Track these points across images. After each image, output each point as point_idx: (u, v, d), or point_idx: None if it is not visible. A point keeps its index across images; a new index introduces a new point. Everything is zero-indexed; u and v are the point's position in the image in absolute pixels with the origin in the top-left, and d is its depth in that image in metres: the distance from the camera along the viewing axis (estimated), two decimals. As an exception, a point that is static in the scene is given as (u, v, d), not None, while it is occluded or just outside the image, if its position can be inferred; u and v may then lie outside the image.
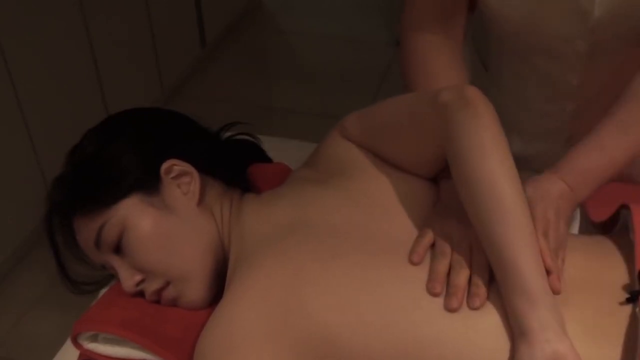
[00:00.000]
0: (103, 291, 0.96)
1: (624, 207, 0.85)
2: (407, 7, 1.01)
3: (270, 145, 1.13)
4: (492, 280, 0.75)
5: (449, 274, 0.75)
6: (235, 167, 1.00)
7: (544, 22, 0.93)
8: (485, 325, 0.72)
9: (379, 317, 0.74)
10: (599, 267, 0.78)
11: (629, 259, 0.79)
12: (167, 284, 0.87)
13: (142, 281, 0.87)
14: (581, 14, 0.90)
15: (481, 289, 0.73)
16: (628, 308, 0.73)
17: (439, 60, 0.98)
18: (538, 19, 0.93)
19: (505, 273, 0.71)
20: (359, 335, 0.73)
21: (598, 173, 0.83)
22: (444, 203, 0.84)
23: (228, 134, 1.05)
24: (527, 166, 1.13)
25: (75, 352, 0.89)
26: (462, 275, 0.74)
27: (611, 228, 0.89)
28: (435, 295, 0.74)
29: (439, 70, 0.97)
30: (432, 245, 0.79)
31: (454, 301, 0.72)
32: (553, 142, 1.11)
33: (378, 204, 0.85)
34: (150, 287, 0.87)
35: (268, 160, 1.11)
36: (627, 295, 0.74)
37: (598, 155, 0.83)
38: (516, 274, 0.70)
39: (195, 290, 0.87)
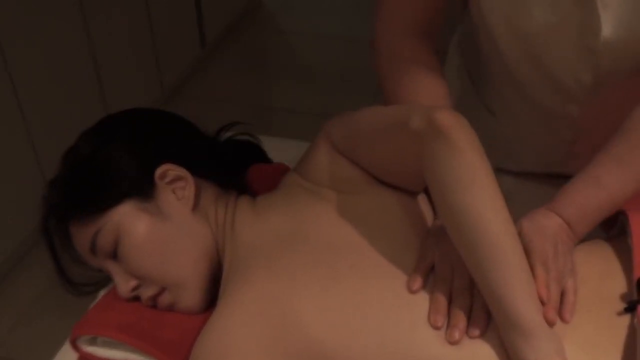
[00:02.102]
0: (102, 292, 0.96)
1: (622, 212, 0.84)
2: (382, 14, 0.96)
3: (270, 145, 1.13)
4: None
5: (449, 300, 0.74)
6: (232, 169, 0.99)
7: (549, 55, 0.91)
8: (484, 351, 0.71)
9: (376, 340, 0.73)
10: (599, 278, 0.78)
11: (627, 265, 0.78)
12: (163, 289, 0.87)
13: (137, 287, 0.87)
14: (587, 49, 0.87)
15: (481, 318, 0.72)
16: (626, 318, 0.73)
17: (419, 71, 0.93)
18: (543, 53, 0.91)
19: (497, 308, 0.70)
20: (354, 353, 0.73)
21: (595, 208, 0.80)
22: (441, 222, 0.82)
23: (228, 134, 1.05)
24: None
25: (75, 353, 0.89)
26: (463, 305, 0.73)
27: (611, 226, 0.88)
28: (437, 328, 0.72)
29: (418, 82, 0.92)
30: (432, 268, 0.77)
31: (456, 333, 0.71)
32: (548, 169, 1.08)
33: (371, 221, 0.83)
34: (146, 292, 0.87)
35: (268, 160, 1.11)
36: (625, 305, 0.73)
37: (595, 191, 0.80)
38: (508, 309, 0.69)
39: (191, 296, 0.87)
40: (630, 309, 0.72)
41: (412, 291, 0.75)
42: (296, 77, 2.89)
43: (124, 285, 0.87)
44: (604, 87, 0.91)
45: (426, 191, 0.88)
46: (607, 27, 0.84)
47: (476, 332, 0.71)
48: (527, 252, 0.73)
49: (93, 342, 0.87)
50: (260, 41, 3.16)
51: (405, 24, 0.95)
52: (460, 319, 0.72)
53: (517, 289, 0.69)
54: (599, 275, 0.78)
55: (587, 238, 0.83)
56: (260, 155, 1.10)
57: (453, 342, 0.71)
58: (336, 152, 0.88)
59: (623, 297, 0.75)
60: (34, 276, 1.92)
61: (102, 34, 2.14)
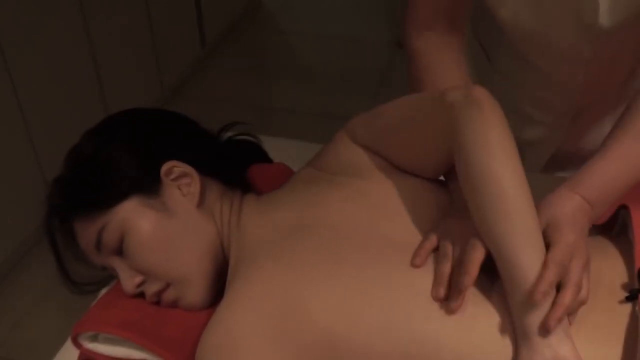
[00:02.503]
0: (103, 291, 0.97)
1: (623, 207, 0.84)
2: (409, 9, 1.01)
3: (270, 145, 1.13)
4: (495, 282, 0.75)
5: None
6: (235, 168, 1.00)
7: (551, 30, 0.95)
8: (486, 327, 0.72)
9: (379, 318, 0.74)
10: (598, 267, 0.78)
11: (628, 258, 0.79)
12: (168, 285, 0.87)
13: (142, 283, 0.87)
14: (585, 25, 0.92)
15: (471, 267, 0.73)
16: (627, 307, 0.73)
17: (445, 61, 0.98)
18: (545, 28, 0.95)
19: (508, 273, 0.71)
20: (359, 335, 0.73)
21: (616, 186, 0.81)
22: (453, 206, 0.84)
23: (229, 134, 1.05)
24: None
25: (76, 353, 0.89)
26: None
27: (610, 228, 0.89)
28: (438, 300, 0.73)
29: (445, 71, 0.97)
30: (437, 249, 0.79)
31: (452, 303, 0.72)
32: (555, 128, 1.14)
33: (381, 205, 0.84)
34: (151, 288, 0.87)
35: (269, 160, 1.11)
36: (626, 294, 0.74)
37: (616, 168, 0.81)
38: (518, 274, 0.70)
39: (195, 292, 0.87)
40: (631, 297, 0.73)
41: (414, 266, 0.77)
42: (296, 77, 2.89)
43: (129, 281, 0.87)
44: (604, 58, 0.97)
45: (440, 182, 0.90)
46: (604, 6, 0.89)
47: (465, 280, 0.72)
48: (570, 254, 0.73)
49: (94, 339, 0.87)
50: (260, 41, 3.17)
51: (431, 18, 0.99)
52: (458, 291, 0.73)
53: (530, 253, 0.70)
54: (600, 266, 0.78)
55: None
56: (261, 155, 1.10)
57: (451, 312, 0.72)
58: (356, 145, 0.90)
59: (624, 287, 0.75)
60: (34, 276, 1.93)
61: (102, 34, 2.14)
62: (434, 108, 0.81)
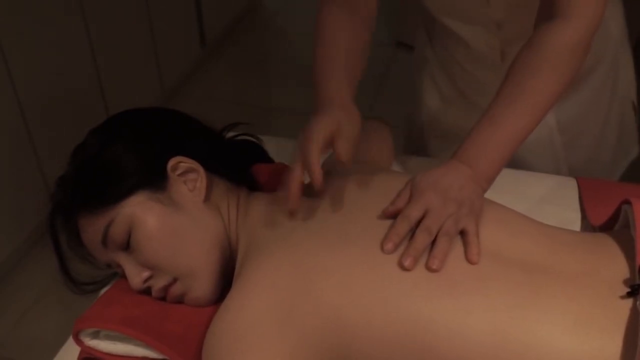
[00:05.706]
0: (104, 290, 0.97)
1: (625, 202, 0.84)
2: None
3: (271, 145, 1.13)
4: (496, 266, 0.76)
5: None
6: (239, 167, 1.00)
7: (461, 10, 1.08)
8: (478, 306, 0.73)
9: (379, 295, 0.75)
10: (597, 262, 0.78)
11: (629, 254, 0.79)
12: (175, 280, 0.87)
13: (149, 278, 0.88)
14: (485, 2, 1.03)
15: (441, 249, 0.76)
16: (628, 302, 0.73)
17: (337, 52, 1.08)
18: (454, 6, 1.08)
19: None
20: (361, 310, 0.74)
21: (493, 145, 0.85)
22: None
23: (230, 134, 1.06)
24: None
25: (76, 353, 0.89)
26: (423, 241, 0.77)
27: (612, 225, 0.89)
28: (386, 252, 0.76)
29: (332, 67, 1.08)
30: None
31: (407, 259, 0.75)
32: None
33: (390, 191, 0.85)
34: (158, 283, 0.87)
35: (270, 160, 1.12)
36: (627, 290, 0.74)
37: (489, 128, 0.86)
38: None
39: (202, 286, 0.88)
40: (632, 293, 0.73)
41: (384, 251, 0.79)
42: (296, 77, 2.89)
43: (137, 276, 0.87)
44: (513, 22, 1.07)
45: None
46: None
47: (434, 264, 0.75)
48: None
49: (96, 336, 0.87)
50: (260, 41, 3.17)
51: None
52: (417, 249, 0.76)
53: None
54: (599, 261, 0.79)
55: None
56: (262, 155, 1.11)
57: (401, 267, 0.75)
58: None
59: (625, 282, 0.76)
60: (34, 276, 1.93)
61: (102, 35, 2.14)
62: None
